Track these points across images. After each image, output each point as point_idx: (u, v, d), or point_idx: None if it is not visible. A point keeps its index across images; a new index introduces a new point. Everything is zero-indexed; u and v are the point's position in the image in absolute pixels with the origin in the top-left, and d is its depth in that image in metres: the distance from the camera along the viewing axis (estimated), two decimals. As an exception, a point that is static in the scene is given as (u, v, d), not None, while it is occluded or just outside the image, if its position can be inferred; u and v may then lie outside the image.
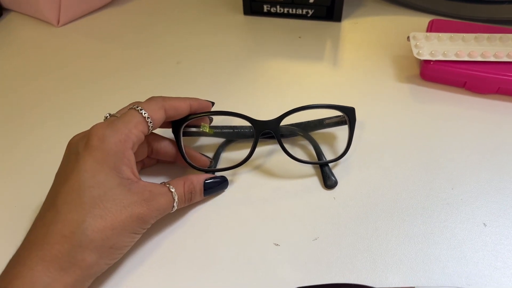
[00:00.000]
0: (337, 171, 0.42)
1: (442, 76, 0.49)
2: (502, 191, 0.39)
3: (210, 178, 0.39)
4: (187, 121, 0.39)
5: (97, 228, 0.30)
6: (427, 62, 0.48)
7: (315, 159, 0.43)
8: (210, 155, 0.44)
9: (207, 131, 0.41)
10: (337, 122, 0.45)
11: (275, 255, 0.36)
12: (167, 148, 0.40)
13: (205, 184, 0.38)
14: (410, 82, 0.51)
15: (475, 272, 0.34)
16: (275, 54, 0.56)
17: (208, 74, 0.54)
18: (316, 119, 0.45)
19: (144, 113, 0.35)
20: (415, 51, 0.49)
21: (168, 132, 0.40)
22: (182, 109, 0.38)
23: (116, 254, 0.33)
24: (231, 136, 0.44)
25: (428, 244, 0.36)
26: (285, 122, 0.40)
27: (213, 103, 0.41)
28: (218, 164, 0.43)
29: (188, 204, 0.38)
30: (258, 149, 0.44)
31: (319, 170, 0.42)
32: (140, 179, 0.34)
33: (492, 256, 0.35)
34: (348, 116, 0.42)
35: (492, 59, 0.47)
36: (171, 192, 0.35)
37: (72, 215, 0.30)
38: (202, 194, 0.39)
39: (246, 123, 0.40)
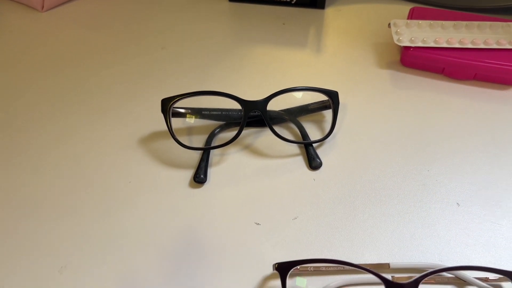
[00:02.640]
0: (321, 151, 0.42)
1: (421, 62, 0.49)
2: (476, 173, 0.40)
3: None
4: (175, 99, 0.40)
5: None
6: (407, 48, 0.49)
7: (301, 140, 0.44)
8: (204, 137, 0.44)
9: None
10: (321, 106, 0.45)
11: (255, 233, 0.36)
12: None
13: None
14: (391, 68, 0.51)
15: (448, 249, 0.35)
16: (259, 40, 0.56)
17: (193, 60, 0.53)
18: (301, 105, 0.46)
19: None
20: (395, 38, 0.49)
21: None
22: None
23: None
24: (220, 119, 0.44)
25: (404, 223, 0.36)
26: (271, 108, 0.41)
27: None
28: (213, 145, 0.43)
29: None
30: (247, 131, 0.44)
31: (304, 151, 0.42)
32: None
33: (464, 234, 0.35)
34: (332, 100, 0.42)
35: (470, 46, 0.47)
36: None
37: None
38: None
39: (234, 107, 0.41)
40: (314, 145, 0.42)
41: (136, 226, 0.37)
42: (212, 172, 0.41)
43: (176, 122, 0.43)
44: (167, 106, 0.40)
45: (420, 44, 0.48)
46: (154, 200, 0.39)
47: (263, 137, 0.44)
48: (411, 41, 0.48)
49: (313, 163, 0.41)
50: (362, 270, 0.30)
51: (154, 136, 0.44)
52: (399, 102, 0.47)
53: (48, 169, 0.42)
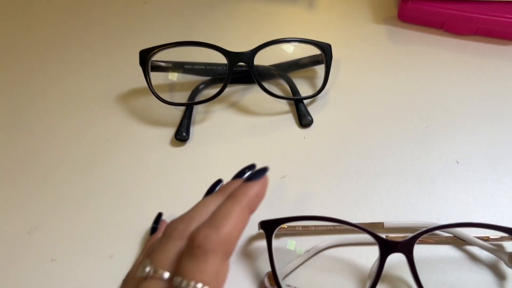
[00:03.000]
0: (312, 108, 0.39)
1: (419, 17, 0.46)
2: (477, 130, 0.37)
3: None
4: (154, 50, 0.36)
5: None
6: (404, 1, 0.45)
7: (291, 96, 0.41)
8: (187, 93, 0.41)
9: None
10: (313, 61, 0.42)
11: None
12: None
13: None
14: (387, 23, 0.48)
15: (446, 208, 0.32)
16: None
17: (177, 14, 0.49)
18: (292, 60, 0.42)
19: None
20: (393, -10, 0.46)
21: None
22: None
23: None
24: (204, 74, 0.41)
25: (399, 182, 0.34)
26: (260, 63, 0.38)
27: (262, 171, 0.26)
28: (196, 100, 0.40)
29: None
30: (234, 88, 0.41)
31: (294, 108, 0.40)
32: None
33: (464, 192, 0.33)
34: (324, 53, 0.39)
35: (472, -2, 0.45)
36: None
37: None
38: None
39: (219, 61, 0.38)
40: (305, 101, 0.40)
41: (112, 186, 0.35)
42: (195, 130, 0.38)
43: (157, 78, 0.40)
44: (146, 58, 0.37)
45: (419, -3, 0.45)
46: (133, 159, 0.36)
47: (251, 94, 0.41)
48: (409, -7, 0.45)
49: (304, 120, 0.38)
50: (355, 229, 0.28)
51: (134, 92, 0.41)
52: (396, 58, 0.44)
53: (20, 127, 0.39)
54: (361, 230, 0.28)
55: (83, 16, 0.49)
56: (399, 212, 0.32)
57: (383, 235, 0.29)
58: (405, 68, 0.43)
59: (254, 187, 0.24)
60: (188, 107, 0.39)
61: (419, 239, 0.27)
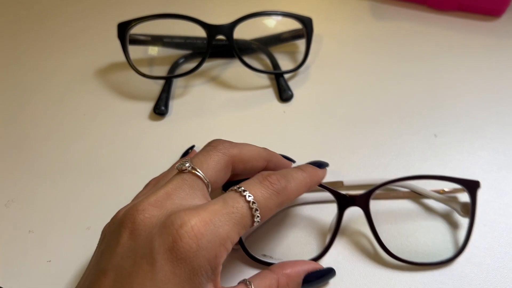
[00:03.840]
0: (292, 84, 0.39)
1: (403, -8, 0.47)
2: (456, 105, 0.37)
3: (313, 271, 0.27)
4: (132, 23, 0.36)
5: None
6: (389, -24, 0.46)
7: (271, 70, 0.40)
8: (167, 68, 0.40)
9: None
10: (294, 36, 0.42)
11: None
12: (252, 170, 0.27)
13: (305, 278, 0.26)
14: (371, -1, 0.48)
15: (423, 181, 0.33)
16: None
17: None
18: (273, 34, 0.42)
19: (253, 204, 0.23)
20: (377, -35, 0.46)
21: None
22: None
23: None
24: (184, 47, 0.41)
25: (377, 155, 0.34)
26: (240, 37, 0.38)
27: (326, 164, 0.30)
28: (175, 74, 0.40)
29: None
30: (214, 62, 0.41)
31: (275, 83, 0.39)
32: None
33: (441, 165, 0.33)
34: (305, 27, 0.39)
35: (455, -28, 0.45)
36: None
37: None
38: None
39: (199, 34, 0.37)
40: (285, 76, 0.39)
41: (90, 160, 0.35)
42: (174, 104, 0.38)
43: (136, 52, 0.40)
44: (124, 31, 0.37)
45: (402, -29, 0.45)
46: (110, 133, 0.36)
47: (231, 69, 0.41)
48: (393, -33, 0.45)
49: (284, 95, 0.38)
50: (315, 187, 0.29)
51: (113, 67, 0.41)
52: (379, 34, 0.44)
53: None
54: (321, 189, 0.29)
55: None
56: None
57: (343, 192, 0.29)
58: (387, 43, 0.43)
59: (321, 172, 0.28)
60: (167, 81, 0.38)
61: (377, 193, 0.28)
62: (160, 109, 0.37)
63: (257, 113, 0.37)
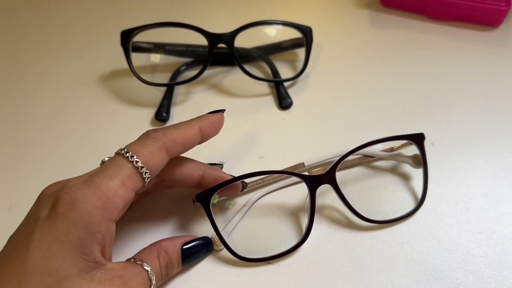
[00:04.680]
0: (292, 91, 0.40)
1: (402, 2, 0.46)
2: (452, 113, 0.38)
3: (188, 242, 0.28)
4: (135, 31, 0.37)
5: None
6: (387, -14, 0.46)
7: (271, 78, 0.41)
8: (168, 75, 0.41)
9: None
10: (294, 44, 0.42)
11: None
12: (187, 174, 0.29)
13: (183, 252, 0.28)
14: (370, 8, 0.48)
15: (419, 188, 0.32)
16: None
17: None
18: (273, 43, 0.43)
19: (136, 161, 0.24)
20: (376, -25, 0.47)
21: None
22: (191, 140, 0.27)
23: None
24: (185, 55, 0.41)
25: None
26: (241, 45, 0.39)
27: (222, 111, 0.30)
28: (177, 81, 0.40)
29: (165, 279, 0.28)
30: (215, 70, 0.42)
31: (274, 91, 0.40)
32: (109, 260, 0.24)
33: (437, 173, 0.33)
34: (305, 36, 0.40)
35: (453, -17, 0.45)
36: (147, 271, 0.25)
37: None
38: (180, 265, 0.28)
39: (201, 42, 0.38)
40: (285, 84, 0.40)
41: (92, 164, 0.34)
42: (175, 110, 0.39)
43: (138, 60, 0.40)
44: (127, 39, 0.37)
45: (401, -18, 0.45)
46: (113, 139, 0.36)
47: (232, 76, 0.41)
48: (392, -22, 0.45)
49: (283, 102, 0.39)
50: (283, 175, 0.30)
51: (115, 73, 0.41)
52: (378, 42, 0.44)
53: (0, 106, 0.39)
54: (287, 175, 0.31)
55: (67, -3, 0.49)
56: (372, 190, 0.33)
57: (306, 173, 0.32)
58: (386, 52, 0.43)
59: (212, 115, 0.29)
60: (169, 88, 0.39)
61: (338, 167, 0.30)
62: (161, 116, 0.37)
63: (257, 120, 0.38)
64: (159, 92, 0.39)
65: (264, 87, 0.40)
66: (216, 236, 0.28)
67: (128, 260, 0.26)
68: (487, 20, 0.45)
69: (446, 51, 0.43)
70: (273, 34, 0.42)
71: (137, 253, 0.27)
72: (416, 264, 0.29)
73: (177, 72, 0.40)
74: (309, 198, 0.29)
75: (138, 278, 0.25)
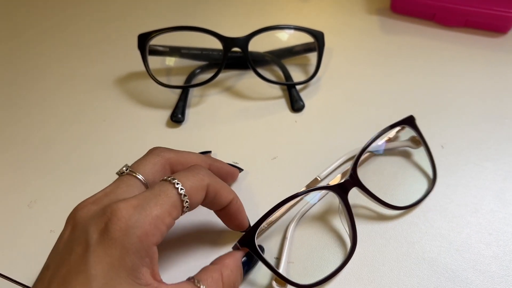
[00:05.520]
0: (304, 94, 0.40)
1: (411, 8, 0.47)
2: (461, 117, 0.38)
3: (247, 254, 0.28)
4: (152, 35, 0.38)
5: None
6: (397, -7, 0.47)
7: (284, 81, 0.42)
8: (184, 77, 0.42)
9: None
10: (306, 49, 0.43)
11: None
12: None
13: (244, 265, 0.27)
14: (381, 14, 0.49)
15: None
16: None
17: (175, 0, 0.51)
18: (286, 47, 0.43)
19: (181, 190, 0.24)
20: (386, -18, 0.47)
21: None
22: (223, 200, 0.27)
23: None
24: (200, 58, 0.42)
25: (386, 162, 0.35)
26: (254, 50, 0.39)
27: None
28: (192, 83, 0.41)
29: None
30: (229, 73, 0.43)
31: (287, 93, 0.41)
32: (161, 281, 0.24)
33: (447, 175, 0.34)
34: (317, 41, 0.40)
35: (462, -10, 0.46)
36: None
37: None
38: (242, 276, 0.28)
39: (215, 46, 0.39)
40: (297, 87, 0.41)
41: (109, 164, 0.36)
42: (190, 112, 0.39)
43: (154, 62, 0.41)
44: (144, 42, 0.38)
45: (411, -11, 0.46)
46: (129, 139, 0.37)
47: (245, 79, 0.42)
48: (402, -15, 0.46)
49: (296, 105, 0.39)
50: (299, 197, 0.29)
51: (132, 75, 0.42)
52: (388, 48, 0.45)
53: (21, 106, 0.40)
54: (317, 191, 0.30)
55: (85, 2, 0.50)
56: (383, 190, 0.34)
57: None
58: (396, 57, 0.44)
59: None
60: (184, 90, 0.40)
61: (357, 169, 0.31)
62: (177, 117, 0.38)
63: (269, 122, 0.39)
64: (175, 94, 0.40)
65: (276, 90, 0.41)
66: (276, 277, 0.28)
67: (186, 280, 0.25)
68: (495, 26, 0.45)
69: (455, 57, 0.44)
70: (286, 38, 0.43)
71: (198, 272, 0.26)
72: (427, 263, 0.29)
73: (192, 75, 0.41)
74: (343, 205, 0.30)
75: None
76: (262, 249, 0.29)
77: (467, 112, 0.39)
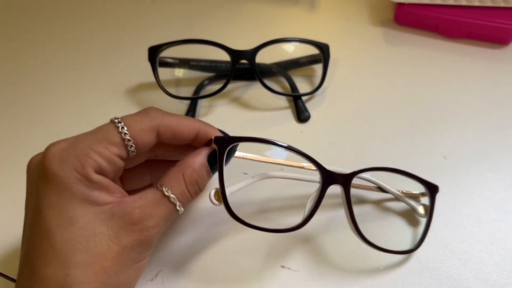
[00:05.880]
0: (309, 105, 0.41)
1: (415, 20, 0.48)
2: (464, 128, 0.39)
3: (213, 151, 0.28)
4: (162, 47, 0.39)
5: (85, 278, 0.22)
6: (401, 5, 0.47)
7: (290, 92, 0.42)
8: (192, 89, 0.43)
9: None
10: (312, 60, 0.44)
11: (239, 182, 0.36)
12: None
13: (209, 161, 0.27)
14: (384, 26, 0.50)
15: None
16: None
17: (184, 14, 0.51)
18: (292, 58, 0.44)
19: (125, 133, 0.25)
20: (390, -6, 0.48)
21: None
22: (185, 134, 0.27)
23: None
24: (208, 70, 0.43)
25: (388, 174, 0.36)
26: (261, 61, 0.40)
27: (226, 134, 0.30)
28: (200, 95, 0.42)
29: (197, 196, 0.27)
30: (236, 84, 0.44)
31: (293, 104, 0.41)
32: (125, 195, 0.25)
33: (450, 186, 0.35)
34: (322, 53, 0.41)
35: (464, 3, 0.46)
36: (168, 197, 0.25)
37: (50, 271, 0.22)
38: (211, 174, 0.28)
39: (223, 58, 0.40)
40: (303, 98, 0.42)
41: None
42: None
43: (164, 74, 0.42)
44: (155, 54, 0.39)
45: (414, 1, 0.46)
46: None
47: (252, 90, 0.43)
48: (405, -3, 0.47)
49: (301, 115, 0.40)
50: (304, 161, 0.30)
51: (141, 87, 0.43)
52: (392, 59, 0.46)
53: (33, 116, 0.41)
54: (311, 166, 0.30)
55: (95, 14, 0.51)
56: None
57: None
58: (400, 68, 0.45)
59: (216, 130, 0.29)
60: (193, 101, 0.41)
61: (353, 182, 0.30)
62: (186, 128, 0.39)
63: (275, 132, 0.39)
64: (184, 105, 0.41)
65: (283, 101, 0.42)
66: (218, 189, 0.27)
67: (150, 186, 0.26)
68: (497, 38, 0.46)
69: (458, 68, 0.44)
70: (292, 50, 0.44)
71: (161, 178, 0.26)
72: (429, 272, 0.30)
73: (200, 86, 0.42)
74: (318, 192, 0.29)
75: (159, 206, 0.25)
76: (231, 154, 0.29)
77: (469, 122, 0.40)
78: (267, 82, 0.40)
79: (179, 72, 0.44)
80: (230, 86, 0.43)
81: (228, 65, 0.42)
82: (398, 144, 0.38)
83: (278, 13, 0.52)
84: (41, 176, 0.23)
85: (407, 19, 0.48)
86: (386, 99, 0.42)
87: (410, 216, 0.34)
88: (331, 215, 0.34)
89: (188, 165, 0.26)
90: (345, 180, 0.29)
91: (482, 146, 0.38)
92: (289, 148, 0.29)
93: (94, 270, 0.22)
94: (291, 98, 0.42)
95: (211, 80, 0.43)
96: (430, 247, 0.31)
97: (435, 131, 0.39)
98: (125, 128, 0.25)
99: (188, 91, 0.43)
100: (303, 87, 0.43)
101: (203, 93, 0.42)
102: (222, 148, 0.27)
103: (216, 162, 0.27)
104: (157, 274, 0.31)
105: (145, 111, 0.26)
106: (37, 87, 0.44)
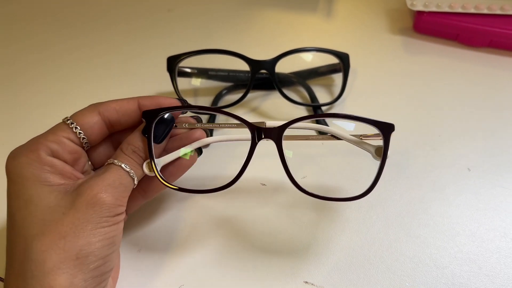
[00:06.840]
0: (328, 116, 0.41)
1: (435, 28, 0.48)
2: (488, 139, 0.38)
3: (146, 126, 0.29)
4: (181, 57, 0.39)
5: (44, 247, 0.24)
6: (420, 13, 0.47)
7: (309, 103, 0.42)
8: (210, 98, 0.43)
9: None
10: (331, 70, 0.44)
11: (261, 194, 0.36)
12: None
13: (144, 132, 0.29)
14: (403, 34, 0.49)
15: (457, 213, 0.33)
16: (268, 4, 0.54)
17: (201, 23, 0.51)
18: (311, 68, 0.44)
19: (68, 120, 0.28)
20: (408, 3, 0.47)
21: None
22: (126, 107, 0.29)
23: (93, 264, 0.25)
24: (227, 80, 0.43)
25: (412, 187, 0.35)
26: (280, 71, 0.40)
27: (184, 101, 0.31)
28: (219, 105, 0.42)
29: (142, 160, 0.29)
30: (254, 94, 0.43)
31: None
32: (81, 179, 0.27)
33: (475, 198, 0.34)
34: (342, 62, 0.41)
35: (486, 11, 0.45)
36: (112, 163, 0.27)
37: (13, 249, 0.25)
38: (146, 142, 0.29)
39: (241, 68, 0.40)
40: (322, 108, 0.41)
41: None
42: (217, 133, 0.40)
43: (182, 83, 0.42)
44: (173, 64, 0.39)
45: (434, 9, 0.46)
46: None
47: (271, 100, 0.43)
48: (424, 5, 0.46)
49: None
50: (235, 122, 0.30)
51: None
52: (411, 68, 0.45)
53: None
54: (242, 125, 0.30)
55: (113, 25, 0.52)
56: (412, 215, 0.34)
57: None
58: (420, 77, 0.44)
59: (158, 96, 0.31)
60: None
61: (290, 126, 0.30)
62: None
63: (296, 143, 0.39)
64: (202, 115, 0.41)
65: (302, 110, 0.42)
66: (149, 161, 0.29)
67: (106, 165, 0.28)
68: (520, 47, 0.45)
69: (480, 77, 0.44)
70: (310, 59, 0.44)
71: (113, 155, 0.28)
72: (456, 288, 0.29)
73: (219, 96, 0.42)
74: (249, 148, 0.30)
75: (109, 171, 0.27)
76: (168, 123, 0.30)
77: (494, 134, 0.39)
78: (286, 91, 0.40)
79: (196, 82, 0.43)
80: (249, 95, 0.42)
81: (246, 74, 0.42)
82: (421, 156, 0.37)
83: (295, 21, 0.51)
84: (7, 177, 0.26)
85: (427, 27, 0.48)
86: (407, 110, 0.41)
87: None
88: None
89: (125, 141, 0.29)
90: (276, 134, 0.30)
91: (507, 158, 0.37)
92: (203, 108, 0.32)
93: (51, 238, 0.24)
94: (310, 108, 0.41)
95: (230, 90, 0.43)
96: (456, 262, 0.31)
97: (459, 143, 0.38)
98: (70, 120, 0.28)
99: (206, 100, 0.42)
100: (322, 96, 0.43)
101: (221, 102, 0.42)
102: (149, 121, 0.29)
103: (158, 132, 0.29)
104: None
105: (89, 106, 0.30)
106: (54, 100, 0.44)
